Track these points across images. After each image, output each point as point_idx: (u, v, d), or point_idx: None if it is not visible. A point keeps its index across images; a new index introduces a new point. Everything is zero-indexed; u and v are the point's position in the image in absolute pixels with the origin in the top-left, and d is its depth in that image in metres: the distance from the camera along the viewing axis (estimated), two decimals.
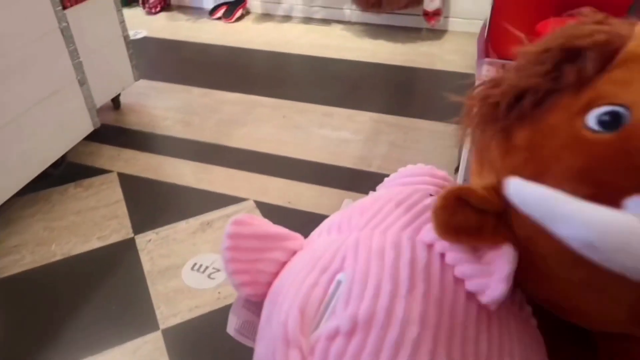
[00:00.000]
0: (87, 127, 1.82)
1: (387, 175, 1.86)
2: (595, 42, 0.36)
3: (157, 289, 1.35)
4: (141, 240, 1.51)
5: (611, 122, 0.34)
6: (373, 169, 1.80)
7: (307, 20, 3.11)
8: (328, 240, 0.40)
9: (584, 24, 0.38)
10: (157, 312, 1.29)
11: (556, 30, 0.39)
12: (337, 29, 2.99)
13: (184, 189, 1.73)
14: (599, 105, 0.35)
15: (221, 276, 1.38)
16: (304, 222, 1.61)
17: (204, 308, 1.30)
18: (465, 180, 0.65)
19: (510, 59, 0.71)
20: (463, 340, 0.32)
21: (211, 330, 1.24)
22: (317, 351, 0.33)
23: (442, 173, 0.49)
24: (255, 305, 0.44)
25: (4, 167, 1.49)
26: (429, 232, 0.37)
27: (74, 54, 1.70)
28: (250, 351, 1.20)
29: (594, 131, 0.34)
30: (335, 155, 1.88)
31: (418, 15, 2.79)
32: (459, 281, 0.35)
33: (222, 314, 1.28)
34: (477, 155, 0.42)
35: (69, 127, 1.75)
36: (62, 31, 1.64)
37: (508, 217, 0.38)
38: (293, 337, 0.34)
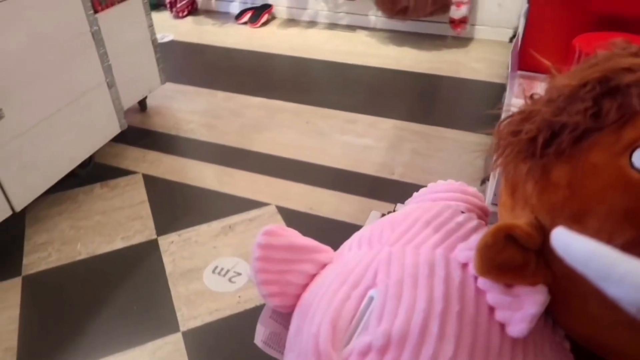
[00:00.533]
0: (114, 129, 1.86)
1: (410, 184, 1.83)
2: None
3: (179, 291, 1.37)
4: (164, 241, 1.53)
5: None
6: (395, 177, 1.79)
7: (332, 26, 3.12)
8: (359, 254, 0.39)
9: (620, 56, 0.37)
10: (178, 314, 1.30)
11: (590, 61, 0.38)
12: (361, 35, 2.99)
13: (207, 192, 1.74)
14: None
15: (241, 280, 1.39)
16: (325, 229, 1.62)
17: (224, 312, 1.31)
18: (496, 195, 0.65)
19: (544, 73, 0.70)
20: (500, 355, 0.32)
21: (230, 334, 1.25)
22: None
23: (472, 190, 0.49)
24: (282, 316, 0.44)
25: (34, 166, 1.52)
26: (463, 251, 0.36)
27: (104, 57, 1.73)
28: (269, 357, 1.20)
29: None
30: (357, 162, 1.88)
31: (444, 22, 2.77)
32: None
33: (241, 318, 1.29)
34: (510, 190, 0.41)
35: (97, 129, 1.78)
36: (93, 35, 1.67)
37: (546, 254, 0.37)
38: (324, 350, 0.34)
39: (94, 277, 1.42)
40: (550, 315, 0.37)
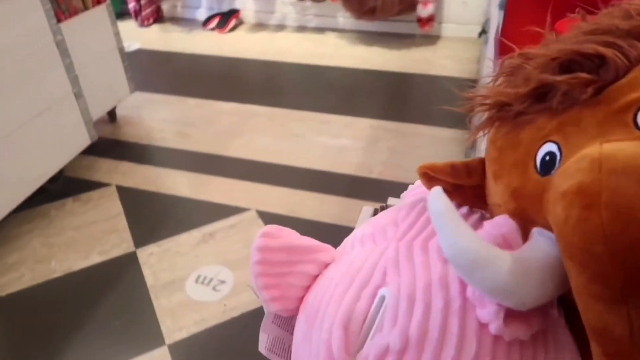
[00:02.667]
0: (84, 141, 1.80)
1: (389, 182, 1.82)
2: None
3: (161, 303, 1.33)
4: (143, 253, 1.49)
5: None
6: (374, 175, 1.79)
7: (301, 29, 3.11)
8: (364, 252, 0.38)
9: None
10: (162, 327, 1.26)
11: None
12: (331, 37, 3.00)
13: (184, 201, 1.71)
14: None
15: (226, 288, 1.36)
16: (309, 231, 1.58)
17: (210, 321, 1.28)
18: None
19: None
20: (520, 354, 0.31)
21: (218, 344, 1.22)
22: None
23: None
24: (284, 320, 0.42)
25: (1, 182, 1.46)
26: None
27: (69, 67, 1.68)
28: None
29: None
30: (335, 162, 1.87)
31: (411, 21, 2.80)
32: None
33: (228, 326, 1.26)
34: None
35: (66, 141, 1.73)
36: (57, 45, 1.62)
37: None
38: (338, 356, 0.32)
39: (71, 295, 1.37)
40: None
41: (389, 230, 0.39)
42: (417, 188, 0.48)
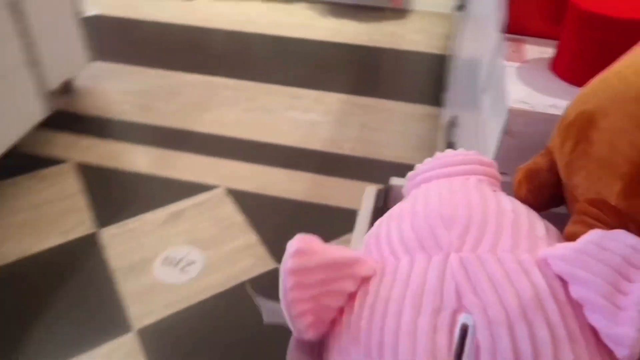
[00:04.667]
0: (40, 113, 1.68)
1: (360, 158, 1.77)
2: None
3: (127, 287, 1.27)
4: (105, 234, 1.42)
5: None
6: (345, 151, 1.76)
7: None
8: (418, 265, 0.33)
9: None
10: (129, 312, 1.21)
11: None
12: (299, 7, 2.90)
13: (149, 178, 1.63)
14: None
15: (196, 269, 1.32)
16: (278, 209, 1.56)
17: (180, 303, 1.23)
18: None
19: (533, 35, 0.67)
20: None
21: (190, 327, 1.18)
22: None
23: (488, 159, 0.43)
24: (310, 346, 0.37)
25: None
26: (558, 263, 0.30)
27: (23, 32, 1.55)
28: (228, 347, 1.14)
29: None
30: (305, 138, 1.83)
31: None
32: None
33: (199, 308, 1.22)
34: None
35: (20, 114, 1.61)
36: (10, 7, 1.49)
37: None
38: None
39: (28, 281, 1.30)
40: None
41: (440, 236, 0.34)
42: (429, 170, 0.43)
